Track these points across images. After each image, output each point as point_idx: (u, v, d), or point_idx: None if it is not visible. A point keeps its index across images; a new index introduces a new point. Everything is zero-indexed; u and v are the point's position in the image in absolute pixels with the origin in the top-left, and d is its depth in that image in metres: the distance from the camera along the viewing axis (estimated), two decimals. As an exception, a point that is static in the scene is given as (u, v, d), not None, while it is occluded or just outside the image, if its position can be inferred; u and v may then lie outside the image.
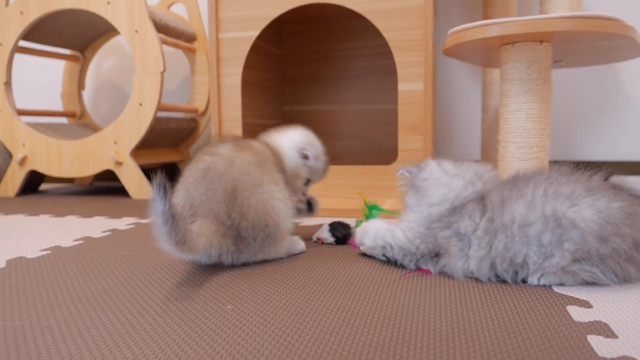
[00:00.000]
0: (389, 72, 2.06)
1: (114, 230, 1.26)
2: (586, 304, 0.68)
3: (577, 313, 0.65)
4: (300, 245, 1.00)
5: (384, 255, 0.91)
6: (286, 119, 2.22)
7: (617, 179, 1.85)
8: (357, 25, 2.10)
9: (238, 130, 1.66)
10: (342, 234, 1.08)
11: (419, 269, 0.85)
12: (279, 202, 0.91)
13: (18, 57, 2.63)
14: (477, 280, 0.80)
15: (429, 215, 0.83)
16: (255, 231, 0.87)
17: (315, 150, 1.03)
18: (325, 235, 1.08)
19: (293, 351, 0.55)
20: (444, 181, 0.85)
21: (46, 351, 0.56)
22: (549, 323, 0.62)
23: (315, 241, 1.09)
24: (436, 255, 0.83)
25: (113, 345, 0.57)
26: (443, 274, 0.83)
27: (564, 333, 0.58)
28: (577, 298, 0.71)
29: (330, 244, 1.08)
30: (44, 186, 2.45)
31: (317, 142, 1.06)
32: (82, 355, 0.55)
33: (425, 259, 0.84)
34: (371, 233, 0.92)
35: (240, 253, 0.88)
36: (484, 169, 0.88)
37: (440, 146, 2.16)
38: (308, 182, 1.07)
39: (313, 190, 1.58)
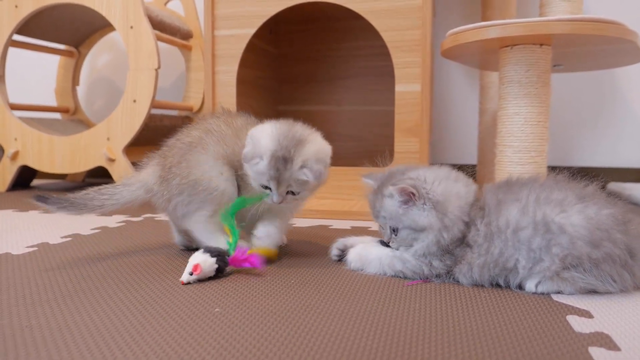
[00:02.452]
0: (387, 73, 2.04)
1: (103, 228, 1.23)
2: (586, 314, 0.66)
3: (577, 323, 0.63)
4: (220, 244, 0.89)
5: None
6: (281, 119, 2.19)
7: (614, 185, 1.84)
8: (355, 26, 2.08)
9: (233, 129, 1.64)
10: (223, 261, 0.83)
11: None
12: (211, 172, 0.91)
13: (12, 51, 2.60)
14: (477, 288, 0.78)
15: (452, 236, 0.77)
16: (181, 184, 0.90)
17: (258, 162, 0.86)
18: (207, 261, 0.80)
19: (283, 357, 0.53)
20: (453, 190, 0.80)
21: (24, 352, 0.53)
22: (549, 333, 0.60)
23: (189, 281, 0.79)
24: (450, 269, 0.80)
25: (94, 346, 0.55)
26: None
27: (564, 344, 0.56)
28: (577, 307, 0.69)
29: (210, 277, 0.81)
30: (35, 182, 2.41)
31: (272, 145, 0.85)
32: (62, 356, 0.52)
33: (441, 277, 0.80)
34: (374, 262, 0.84)
35: (169, 202, 0.93)
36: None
37: (437, 149, 2.14)
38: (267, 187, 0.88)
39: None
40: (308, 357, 0.53)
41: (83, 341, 0.56)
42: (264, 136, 0.87)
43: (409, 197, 0.78)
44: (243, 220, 0.94)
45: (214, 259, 0.81)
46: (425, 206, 0.78)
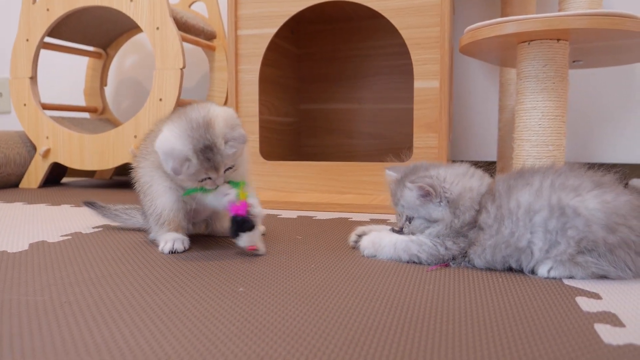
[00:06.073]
0: (407, 72, 2.07)
1: (132, 220, 1.29)
2: (595, 296, 0.68)
3: (586, 304, 0.65)
4: (164, 246, 0.94)
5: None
6: (303, 117, 2.24)
7: (637, 181, 1.83)
8: (375, 25, 2.11)
9: (255, 127, 1.68)
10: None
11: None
12: (158, 187, 0.97)
13: (44, 53, 2.70)
14: (490, 272, 0.80)
15: (463, 221, 0.82)
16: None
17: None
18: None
19: (300, 332, 0.56)
20: (467, 185, 0.84)
21: (65, 323, 0.58)
22: (557, 312, 0.62)
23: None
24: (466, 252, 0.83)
25: (128, 319, 0.59)
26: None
27: (571, 321, 0.59)
28: (587, 290, 0.71)
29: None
30: (65, 179, 2.50)
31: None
32: (100, 327, 0.57)
33: (457, 260, 0.83)
34: (389, 247, 0.88)
35: None
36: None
37: (457, 145, 2.16)
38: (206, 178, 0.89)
39: (327, 187, 1.59)
40: (323, 332, 0.56)
41: (118, 315, 0.61)
42: (174, 140, 0.86)
43: (427, 194, 0.83)
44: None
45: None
46: (441, 203, 0.83)
